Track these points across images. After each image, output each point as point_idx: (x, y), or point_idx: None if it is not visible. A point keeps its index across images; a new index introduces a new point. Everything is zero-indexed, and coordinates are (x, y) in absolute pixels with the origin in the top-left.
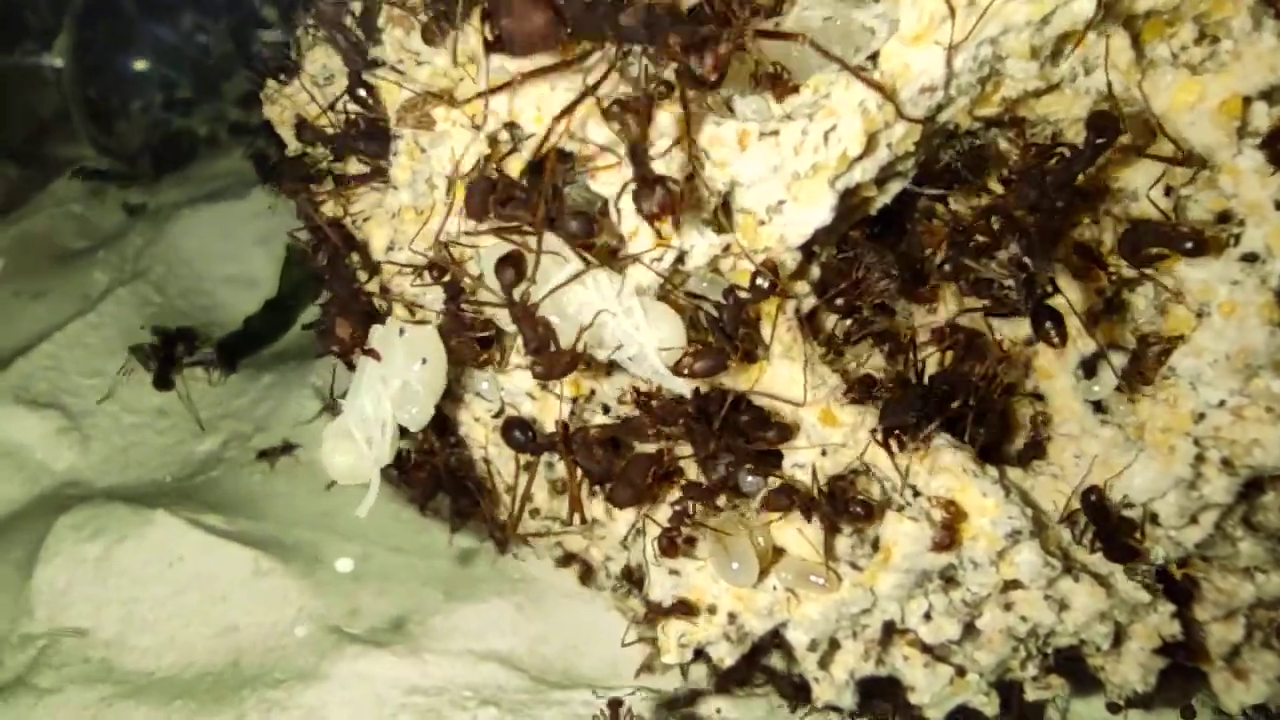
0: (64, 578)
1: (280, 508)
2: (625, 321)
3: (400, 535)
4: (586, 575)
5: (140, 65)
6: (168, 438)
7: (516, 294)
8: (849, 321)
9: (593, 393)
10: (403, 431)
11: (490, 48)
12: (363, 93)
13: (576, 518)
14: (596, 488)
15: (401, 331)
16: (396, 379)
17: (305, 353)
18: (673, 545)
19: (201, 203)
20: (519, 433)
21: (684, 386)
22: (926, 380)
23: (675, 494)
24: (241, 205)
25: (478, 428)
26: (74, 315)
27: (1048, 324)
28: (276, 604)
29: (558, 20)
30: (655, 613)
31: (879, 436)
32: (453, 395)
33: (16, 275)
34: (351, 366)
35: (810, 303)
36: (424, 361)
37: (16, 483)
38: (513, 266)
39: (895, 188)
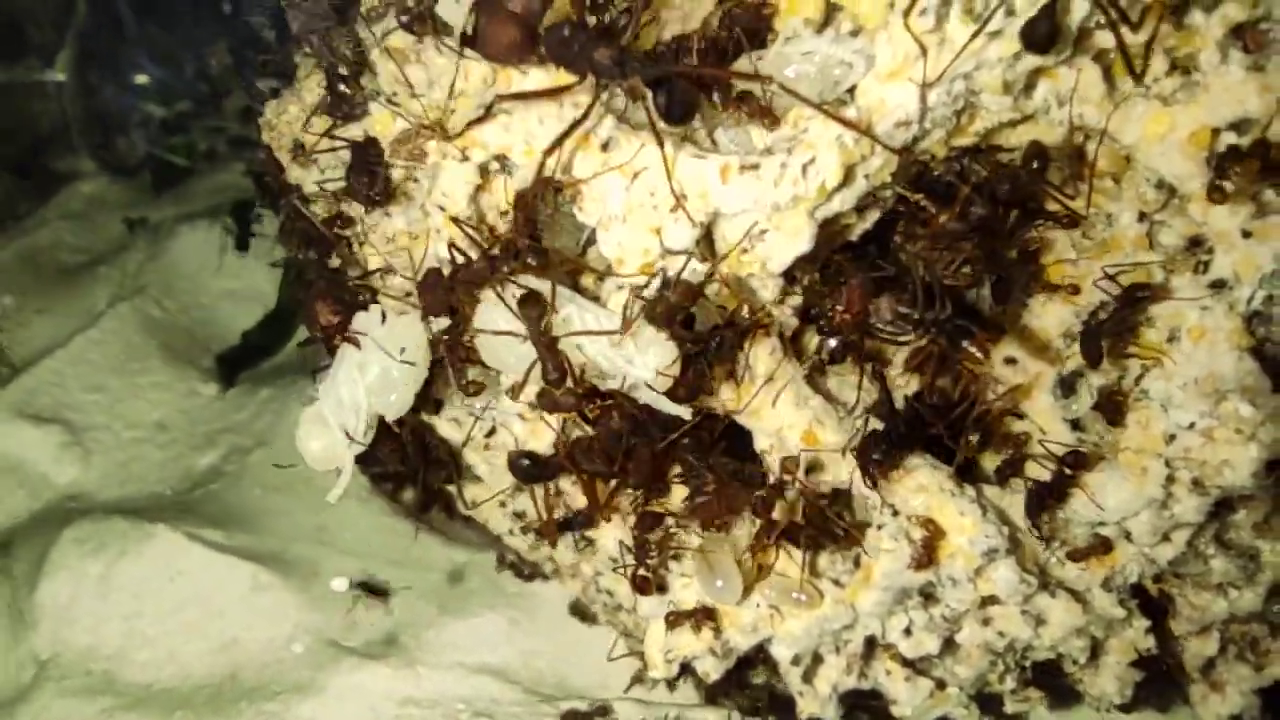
0: (66, 592)
1: (279, 523)
2: (618, 350)
3: (395, 549)
4: (585, 615)
5: (141, 81)
6: (168, 451)
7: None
8: (832, 342)
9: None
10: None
11: (466, 41)
12: (342, 87)
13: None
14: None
15: (384, 318)
16: (375, 366)
17: (304, 367)
18: (646, 583)
19: (201, 217)
20: (527, 461)
21: (682, 410)
22: (903, 400)
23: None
24: None
25: (470, 447)
26: (76, 331)
27: (964, 343)
28: (274, 618)
29: (528, 39)
30: (677, 617)
31: (856, 471)
32: (446, 415)
33: (19, 291)
34: (333, 351)
35: (793, 325)
36: (404, 350)
37: (20, 497)
38: (535, 303)
39: (875, 214)
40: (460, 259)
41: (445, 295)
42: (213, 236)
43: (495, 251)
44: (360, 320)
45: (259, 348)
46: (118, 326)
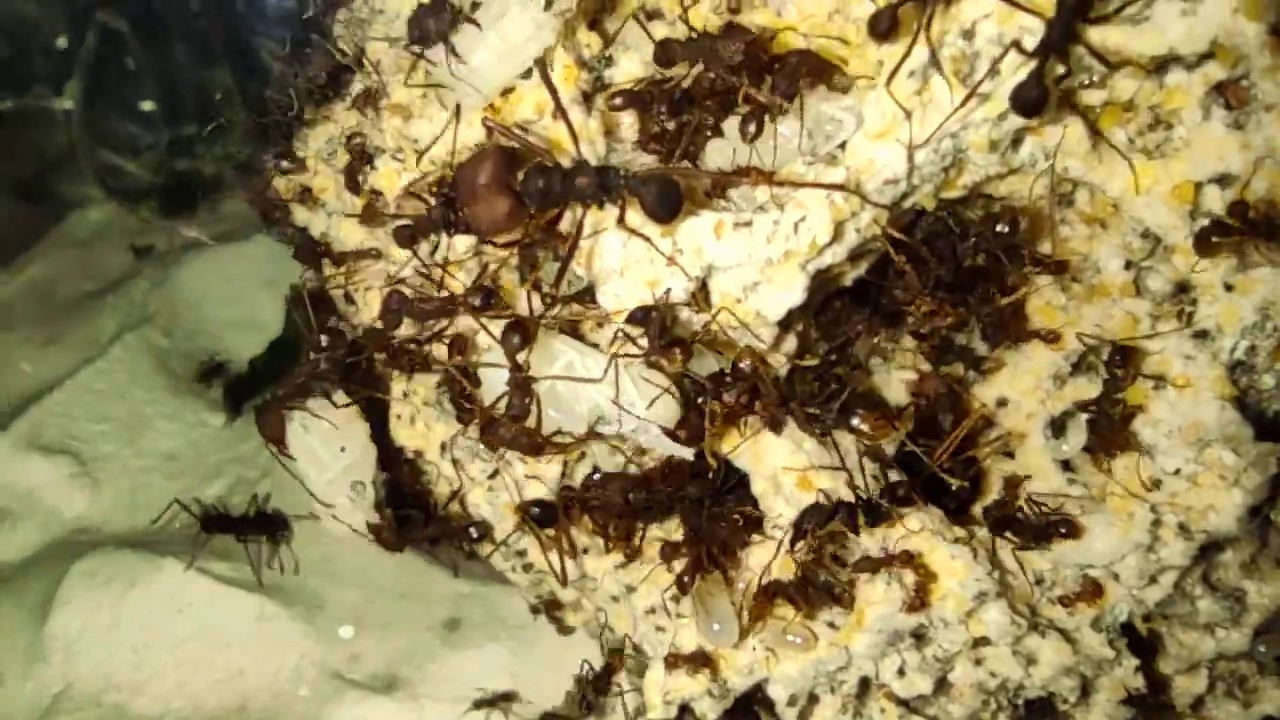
0: (77, 624)
1: (284, 554)
2: (620, 397)
3: (399, 581)
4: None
5: (148, 108)
6: (176, 482)
7: (520, 359)
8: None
9: (583, 455)
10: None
11: (455, 229)
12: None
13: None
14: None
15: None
16: (330, 472)
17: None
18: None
19: (207, 245)
20: (537, 509)
21: (686, 451)
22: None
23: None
24: (247, 247)
25: (475, 488)
26: (84, 362)
27: (854, 420)
28: (280, 650)
29: (519, 205)
30: (676, 660)
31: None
32: (451, 456)
33: (28, 321)
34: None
35: (786, 370)
36: (343, 449)
37: (30, 529)
38: (519, 333)
39: (867, 263)
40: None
41: (401, 318)
42: (220, 263)
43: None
44: (290, 433)
45: (265, 377)
46: (125, 356)
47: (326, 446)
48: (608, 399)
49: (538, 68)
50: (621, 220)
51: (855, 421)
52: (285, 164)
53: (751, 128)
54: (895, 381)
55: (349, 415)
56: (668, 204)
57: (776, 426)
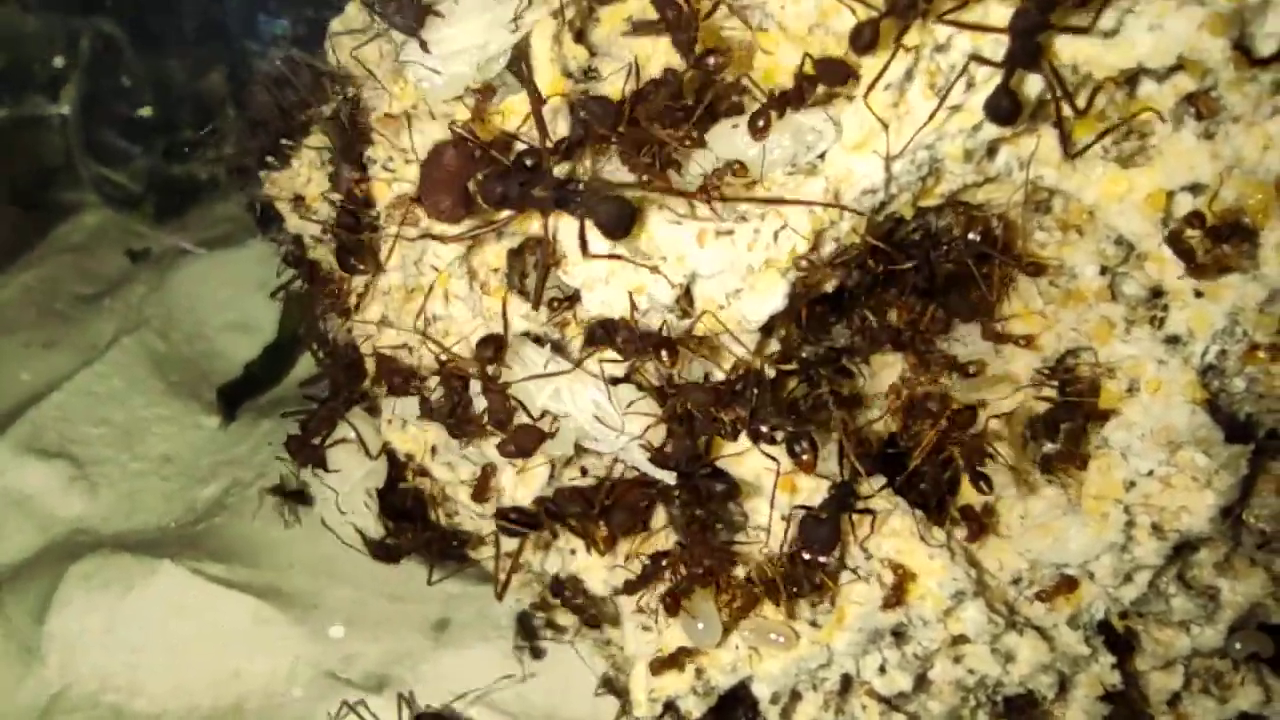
0: (74, 626)
1: (278, 555)
2: (600, 413)
3: (394, 582)
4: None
5: (143, 112)
6: (172, 484)
7: (490, 370)
8: (810, 389)
9: (569, 459)
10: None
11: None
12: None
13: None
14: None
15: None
16: (349, 482)
17: (305, 400)
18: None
19: (202, 248)
20: (514, 515)
21: (668, 475)
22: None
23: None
24: (242, 251)
25: (462, 489)
26: (81, 365)
27: (797, 448)
28: (275, 651)
29: (462, 201)
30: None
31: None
32: (439, 459)
33: (26, 324)
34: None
35: (770, 374)
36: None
37: (27, 532)
38: (492, 345)
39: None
40: None
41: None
42: (215, 268)
43: None
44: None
45: (260, 380)
46: (122, 359)
47: (352, 460)
48: (591, 419)
49: (531, 44)
50: (582, 239)
51: (797, 450)
52: (271, 160)
53: (760, 123)
54: (877, 384)
55: (369, 430)
56: (619, 223)
57: (755, 438)
